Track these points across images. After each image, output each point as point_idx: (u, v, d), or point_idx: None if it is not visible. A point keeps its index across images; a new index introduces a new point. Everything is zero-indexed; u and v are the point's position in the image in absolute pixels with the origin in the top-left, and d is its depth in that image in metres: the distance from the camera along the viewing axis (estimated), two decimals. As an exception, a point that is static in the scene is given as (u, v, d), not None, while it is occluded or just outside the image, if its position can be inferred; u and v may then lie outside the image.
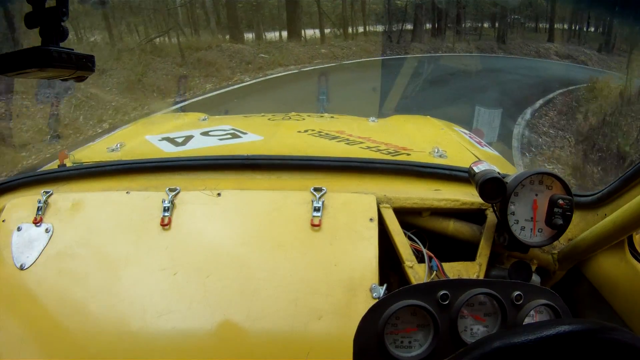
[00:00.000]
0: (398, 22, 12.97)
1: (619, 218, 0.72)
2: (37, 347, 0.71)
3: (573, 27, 15.55)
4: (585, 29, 15.47)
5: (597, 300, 0.80)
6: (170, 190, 0.85)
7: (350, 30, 12.80)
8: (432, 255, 0.80)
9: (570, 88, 8.35)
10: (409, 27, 12.94)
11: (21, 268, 0.78)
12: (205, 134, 1.27)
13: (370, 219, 0.81)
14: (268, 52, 9.68)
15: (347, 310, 0.71)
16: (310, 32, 12.07)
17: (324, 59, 10.27)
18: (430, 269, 0.78)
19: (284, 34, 11.45)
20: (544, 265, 0.87)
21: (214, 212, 0.84)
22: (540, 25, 15.52)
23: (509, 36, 14.24)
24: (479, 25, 14.41)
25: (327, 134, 1.25)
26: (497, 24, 14.31)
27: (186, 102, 6.28)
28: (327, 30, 12.35)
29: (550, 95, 7.65)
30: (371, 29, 13.20)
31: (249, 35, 11.10)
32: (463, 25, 13.68)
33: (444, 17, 13.35)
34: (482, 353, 0.43)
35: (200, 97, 6.66)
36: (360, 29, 12.99)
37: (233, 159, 0.96)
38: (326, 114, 1.84)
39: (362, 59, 10.54)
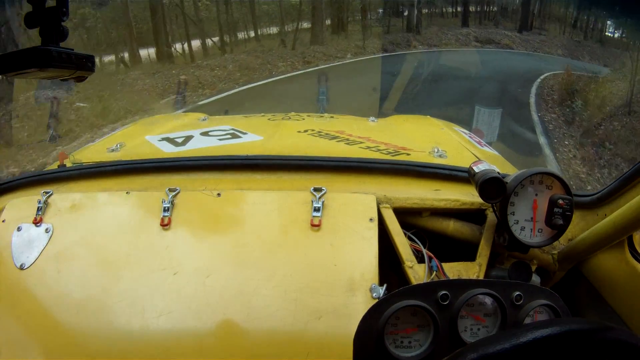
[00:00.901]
0: (293, 21, 10.12)
1: (619, 218, 0.72)
2: (37, 346, 0.71)
3: (484, 9, 13.97)
4: (496, 9, 14.03)
5: (597, 300, 0.80)
6: (170, 190, 0.85)
7: (237, 36, 9.46)
8: (432, 255, 0.80)
9: (532, 90, 6.50)
10: (307, 25, 10.18)
11: (21, 268, 0.78)
12: (205, 134, 1.27)
13: (370, 219, 0.81)
14: (93, 95, 5.56)
15: (347, 310, 0.71)
16: (196, 44, 8.65)
17: (176, 93, 6.36)
18: (430, 269, 0.78)
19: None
20: (544, 266, 0.87)
21: (214, 212, 0.84)
22: (446, 9, 13.42)
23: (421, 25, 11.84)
24: (383, 15, 11.64)
25: (327, 134, 1.25)
26: (406, 13, 11.75)
27: None
28: (214, 39, 9.07)
29: (535, 117, 5.25)
30: (265, 31, 9.97)
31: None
32: (369, 17, 11.19)
33: (345, 11, 10.98)
34: None
35: None
36: (251, 35, 9.69)
37: (233, 159, 0.96)
38: (326, 114, 1.84)
39: (234, 89, 6.70)
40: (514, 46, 12.50)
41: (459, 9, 13.85)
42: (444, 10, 13.64)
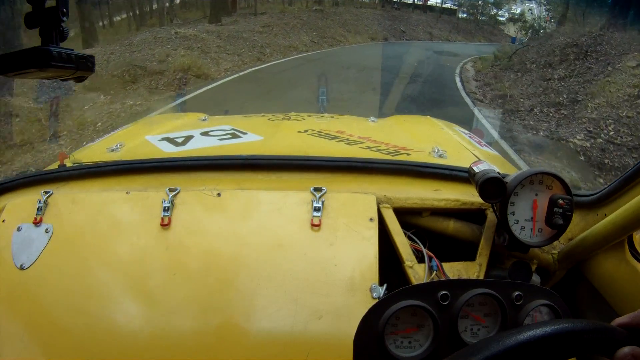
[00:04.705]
0: None
1: (619, 218, 0.72)
2: (37, 347, 0.71)
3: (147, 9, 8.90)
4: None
5: (597, 300, 0.80)
6: (170, 190, 0.85)
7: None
8: (432, 255, 0.80)
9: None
10: None
11: (21, 268, 0.78)
12: (205, 134, 1.27)
13: (370, 219, 0.81)
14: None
15: (347, 310, 0.71)
16: None
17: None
18: (430, 269, 0.78)
19: None
20: (544, 265, 0.87)
21: (214, 212, 0.84)
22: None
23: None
24: None
25: (327, 134, 1.25)
26: None
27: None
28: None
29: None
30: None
31: None
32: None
33: None
34: None
35: None
36: None
37: (233, 159, 0.96)
38: (326, 114, 1.84)
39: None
40: (220, 48, 6.67)
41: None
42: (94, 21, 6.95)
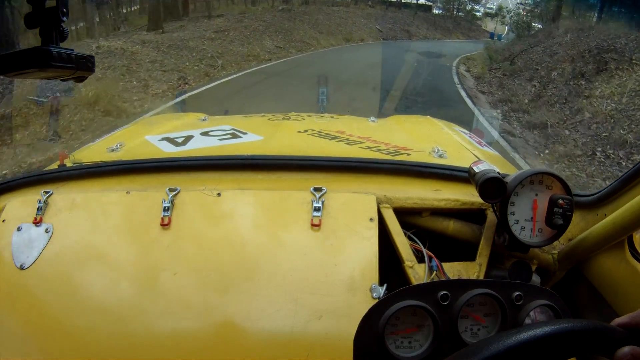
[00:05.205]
0: None
1: (619, 218, 0.72)
2: (37, 346, 0.71)
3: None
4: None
5: (597, 300, 0.80)
6: (170, 190, 0.85)
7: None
8: (432, 255, 0.80)
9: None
10: None
11: (21, 268, 0.78)
12: (205, 134, 1.27)
13: (370, 219, 0.81)
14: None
15: (347, 310, 0.71)
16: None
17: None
18: (430, 269, 0.78)
19: None
20: (544, 265, 0.87)
21: (214, 212, 0.84)
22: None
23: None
24: None
25: (327, 134, 1.25)
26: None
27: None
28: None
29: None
30: None
31: None
32: None
33: None
34: None
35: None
36: None
37: (233, 159, 0.96)
38: (326, 114, 1.84)
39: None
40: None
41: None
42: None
